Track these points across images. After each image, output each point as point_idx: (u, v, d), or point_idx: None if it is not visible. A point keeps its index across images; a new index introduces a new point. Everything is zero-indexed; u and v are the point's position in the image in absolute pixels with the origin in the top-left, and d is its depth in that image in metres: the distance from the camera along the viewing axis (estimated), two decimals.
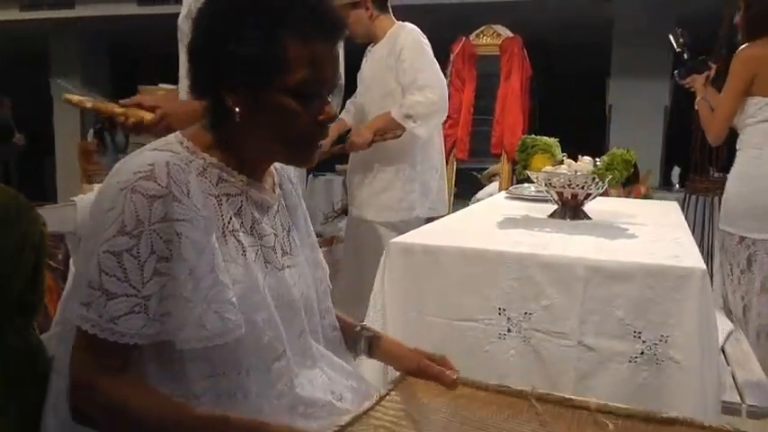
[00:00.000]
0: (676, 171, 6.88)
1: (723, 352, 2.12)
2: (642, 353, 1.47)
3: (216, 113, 0.95)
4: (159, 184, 0.85)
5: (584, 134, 7.24)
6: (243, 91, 0.91)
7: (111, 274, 0.83)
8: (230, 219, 0.94)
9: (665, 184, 7.15)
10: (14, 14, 7.72)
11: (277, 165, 1.09)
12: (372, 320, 1.64)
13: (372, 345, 1.19)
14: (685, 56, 2.64)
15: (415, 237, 1.75)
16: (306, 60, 0.90)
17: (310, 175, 6.67)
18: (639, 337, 1.47)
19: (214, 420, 0.85)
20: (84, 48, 9.09)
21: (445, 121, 4.98)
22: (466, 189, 4.78)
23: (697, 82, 2.62)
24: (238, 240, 0.94)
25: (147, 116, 1.54)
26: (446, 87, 2.50)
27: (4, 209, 0.93)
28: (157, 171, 0.86)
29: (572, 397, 1.05)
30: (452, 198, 4.76)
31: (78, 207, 1.20)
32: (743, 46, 2.47)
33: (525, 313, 1.54)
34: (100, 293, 0.83)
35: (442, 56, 5.21)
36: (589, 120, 8.62)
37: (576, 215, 2.11)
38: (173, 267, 0.85)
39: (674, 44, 2.64)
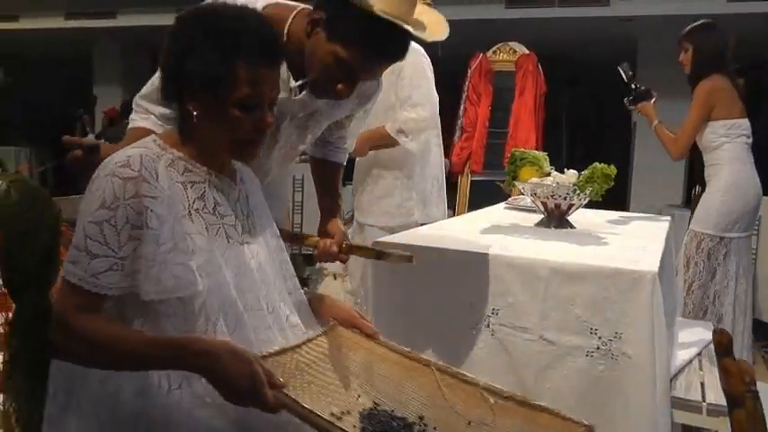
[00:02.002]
0: (699, 190, 6.88)
1: (699, 357, 2.23)
2: (598, 348, 1.60)
3: (181, 116, 1.17)
4: (133, 170, 1.06)
5: (610, 151, 7.31)
6: (200, 100, 1.12)
7: (94, 239, 1.03)
8: (194, 200, 1.14)
9: (687, 203, 7.15)
10: (60, 22, 8.09)
11: (239, 164, 1.28)
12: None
13: (312, 301, 1.37)
14: (633, 86, 2.94)
15: (398, 238, 1.91)
16: (250, 81, 1.11)
17: None
18: (596, 334, 1.60)
19: (172, 343, 1.05)
20: (126, 55, 9.43)
21: (460, 135, 5.19)
22: (481, 199, 4.91)
23: (648, 108, 2.95)
24: (202, 218, 1.14)
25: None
26: (437, 104, 2.65)
27: (24, 196, 1.13)
28: (132, 161, 1.08)
29: (465, 373, 1.21)
30: (466, 208, 4.90)
31: None
32: (704, 80, 2.89)
33: (493, 309, 1.68)
34: (85, 254, 1.03)
35: (460, 70, 5.39)
36: (614, 136, 8.66)
37: (561, 224, 2.24)
38: (142, 234, 1.04)
39: (624, 76, 2.92)
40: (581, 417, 1.61)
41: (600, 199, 2.19)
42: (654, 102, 2.95)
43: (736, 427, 1.06)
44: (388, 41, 1.34)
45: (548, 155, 2.39)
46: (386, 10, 1.27)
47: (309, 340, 1.22)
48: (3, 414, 1.22)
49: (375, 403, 1.21)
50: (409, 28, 1.31)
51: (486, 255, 1.69)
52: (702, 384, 1.93)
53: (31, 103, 10.04)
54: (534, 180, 2.24)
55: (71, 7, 7.89)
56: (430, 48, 2.65)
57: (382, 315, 1.84)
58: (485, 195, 4.94)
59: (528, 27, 6.61)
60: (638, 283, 1.56)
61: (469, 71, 5.11)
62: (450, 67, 5.73)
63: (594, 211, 2.92)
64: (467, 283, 1.71)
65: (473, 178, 5.13)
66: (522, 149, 2.38)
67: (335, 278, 4.21)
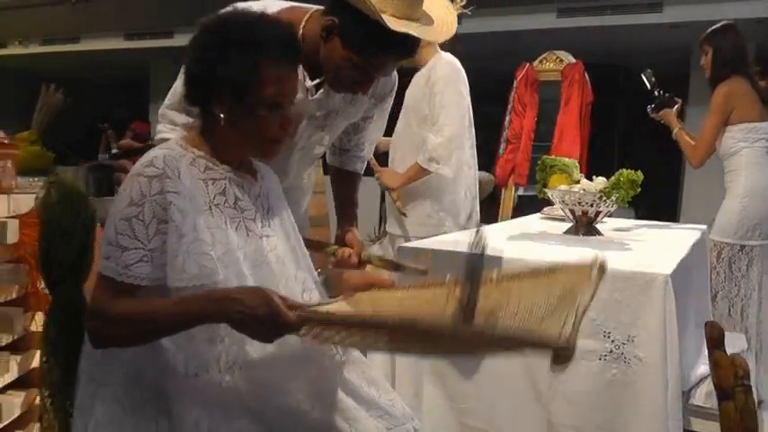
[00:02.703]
0: None
1: None
2: (611, 351, 1.62)
3: (205, 118, 1.25)
4: (156, 168, 1.15)
5: (661, 162, 7.16)
6: (228, 102, 1.20)
7: (124, 233, 1.12)
8: (215, 196, 1.22)
9: None
10: (120, 43, 8.46)
11: (259, 163, 1.36)
12: None
13: (326, 282, 1.44)
14: (656, 93, 2.92)
15: (422, 242, 1.97)
16: (274, 82, 1.19)
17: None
18: (609, 337, 1.62)
19: (197, 298, 1.11)
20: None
21: (505, 147, 5.17)
22: (528, 214, 4.88)
23: (670, 115, 2.92)
24: (222, 212, 1.21)
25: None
26: (465, 117, 2.66)
27: (63, 196, 1.25)
28: (156, 161, 1.17)
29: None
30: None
31: None
32: (722, 84, 2.84)
33: None
34: (116, 248, 1.12)
35: (508, 79, 5.37)
36: (667, 147, 8.49)
37: (589, 231, 2.25)
38: (167, 227, 1.13)
39: (647, 84, 2.92)
40: (594, 420, 1.65)
41: (626, 205, 2.20)
42: (677, 108, 2.92)
43: (723, 420, 1.08)
44: (398, 44, 1.42)
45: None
46: (394, 13, 1.38)
47: (330, 302, 1.26)
48: (40, 406, 1.34)
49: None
50: (416, 33, 1.39)
51: (501, 259, 1.73)
52: None
53: (86, 125, 10.44)
54: (563, 187, 2.27)
55: (130, 28, 8.23)
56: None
57: None
58: (532, 210, 4.90)
59: (579, 36, 6.56)
60: (651, 285, 1.58)
61: (515, 82, 5.09)
62: (501, 76, 5.73)
63: (630, 220, 2.92)
64: None
65: (520, 193, 5.11)
66: (552, 157, 2.41)
67: None
